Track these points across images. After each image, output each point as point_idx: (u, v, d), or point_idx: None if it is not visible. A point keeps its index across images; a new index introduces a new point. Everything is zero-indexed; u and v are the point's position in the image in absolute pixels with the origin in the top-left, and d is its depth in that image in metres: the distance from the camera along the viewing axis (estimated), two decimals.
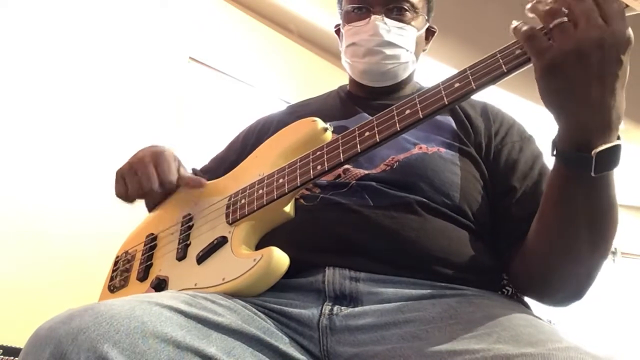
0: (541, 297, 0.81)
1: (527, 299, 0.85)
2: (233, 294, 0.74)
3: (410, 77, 1.07)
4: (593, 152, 0.60)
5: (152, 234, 0.96)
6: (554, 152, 0.66)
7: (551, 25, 0.59)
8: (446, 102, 0.69)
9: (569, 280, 0.77)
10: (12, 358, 1.74)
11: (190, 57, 2.83)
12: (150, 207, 1.02)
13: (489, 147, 0.92)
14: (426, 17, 1.06)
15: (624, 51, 0.58)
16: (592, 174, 0.61)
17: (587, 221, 0.69)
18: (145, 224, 1.00)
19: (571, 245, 0.72)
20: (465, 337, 0.61)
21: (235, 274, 0.75)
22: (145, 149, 0.96)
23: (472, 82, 0.67)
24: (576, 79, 0.59)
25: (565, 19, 0.58)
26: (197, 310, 0.65)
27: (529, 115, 1.00)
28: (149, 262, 0.91)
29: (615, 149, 0.60)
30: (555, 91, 0.61)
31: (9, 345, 1.76)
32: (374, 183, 0.85)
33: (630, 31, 0.58)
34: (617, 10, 0.58)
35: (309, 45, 3.44)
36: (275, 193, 0.80)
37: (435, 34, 1.12)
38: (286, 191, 0.79)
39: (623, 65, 0.58)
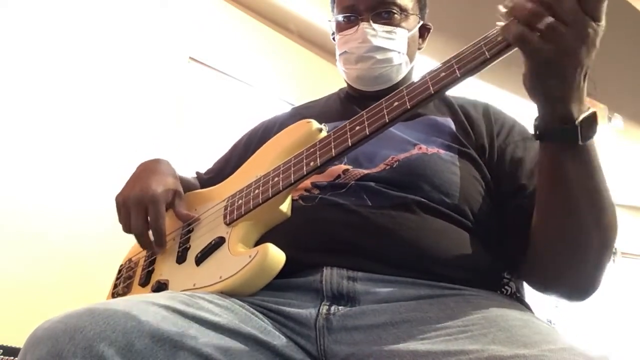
0: (552, 289, 0.81)
1: (527, 300, 0.85)
2: (230, 292, 0.74)
3: (407, 78, 1.07)
4: (577, 122, 0.66)
5: None
6: (540, 136, 0.70)
7: (541, 27, 0.61)
8: (432, 92, 0.70)
9: (577, 264, 0.76)
10: (12, 358, 1.75)
11: (190, 57, 2.83)
12: None
13: (491, 148, 0.92)
14: (419, 16, 1.06)
15: (599, 37, 0.63)
16: (580, 142, 0.66)
17: (585, 194, 0.71)
18: None
19: (577, 224, 0.73)
20: (460, 337, 0.61)
21: (231, 272, 0.75)
22: (142, 174, 0.95)
23: (457, 71, 0.68)
24: (566, 71, 0.64)
25: (552, 19, 0.61)
26: (194, 310, 0.65)
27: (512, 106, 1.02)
28: (150, 267, 0.92)
29: (593, 115, 0.67)
30: (545, 82, 0.65)
31: (9, 345, 1.76)
32: (373, 183, 0.85)
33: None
34: (600, 2, 0.61)
35: (309, 45, 3.45)
36: (270, 191, 0.80)
37: (437, 34, 1.12)
38: (281, 189, 0.79)
39: (596, 48, 0.63)
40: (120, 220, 0.92)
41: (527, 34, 0.62)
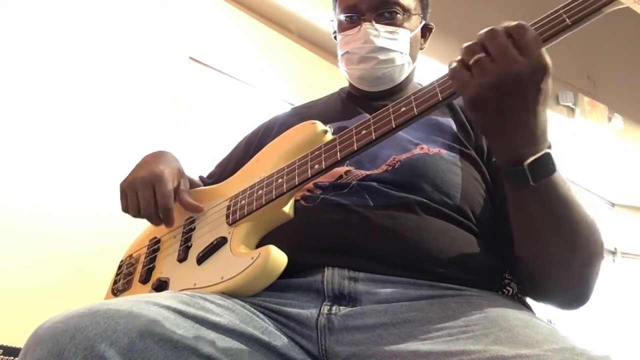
0: (544, 301, 0.82)
1: (528, 299, 0.85)
2: (231, 293, 0.74)
3: (409, 78, 1.07)
4: (525, 164, 0.65)
5: (156, 237, 0.97)
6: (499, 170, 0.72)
7: (470, 62, 0.63)
8: (440, 99, 0.70)
9: (560, 283, 0.77)
10: (12, 358, 1.74)
11: (190, 57, 2.83)
12: None
13: (489, 150, 0.92)
14: (421, 15, 1.06)
15: (542, 79, 0.62)
16: (532, 183, 0.66)
17: (549, 224, 0.71)
18: (151, 229, 1.01)
19: (544, 250, 0.74)
20: (462, 337, 0.61)
21: (233, 273, 0.75)
22: (148, 160, 0.96)
23: None
24: (499, 107, 0.64)
25: (483, 54, 0.62)
26: (195, 310, 0.65)
27: None
28: (151, 265, 0.92)
29: (545, 157, 0.65)
30: (483, 119, 0.66)
31: (9, 345, 1.76)
32: (375, 183, 0.85)
33: (547, 58, 0.62)
34: (532, 39, 0.62)
35: (309, 45, 3.44)
36: (274, 193, 0.80)
37: (439, 34, 1.11)
38: (284, 191, 0.79)
39: (542, 90, 0.63)
40: (127, 204, 0.91)
41: (456, 69, 0.65)
